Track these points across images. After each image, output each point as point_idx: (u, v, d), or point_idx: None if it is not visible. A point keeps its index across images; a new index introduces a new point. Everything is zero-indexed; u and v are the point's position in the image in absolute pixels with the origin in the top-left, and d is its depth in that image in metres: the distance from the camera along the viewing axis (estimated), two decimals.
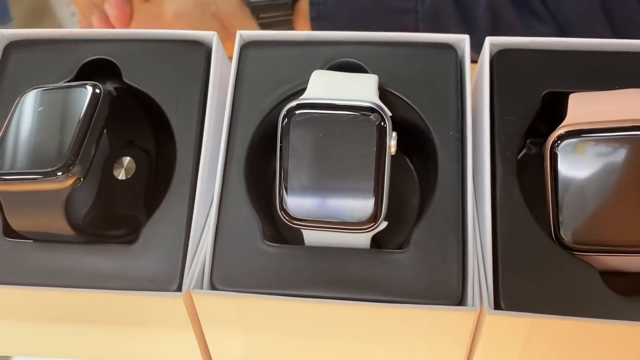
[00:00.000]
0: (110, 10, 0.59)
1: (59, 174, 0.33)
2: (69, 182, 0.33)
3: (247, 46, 0.39)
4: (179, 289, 0.34)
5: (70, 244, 0.36)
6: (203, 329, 0.36)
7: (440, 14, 0.54)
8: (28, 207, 0.34)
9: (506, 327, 0.33)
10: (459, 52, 0.38)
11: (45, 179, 0.33)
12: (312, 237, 0.35)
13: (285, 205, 0.34)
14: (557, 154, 0.33)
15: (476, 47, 0.39)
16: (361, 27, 0.40)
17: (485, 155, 0.35)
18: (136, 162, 0.41)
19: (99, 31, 0.41)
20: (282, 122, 0.34)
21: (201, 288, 0.35)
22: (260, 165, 0.38)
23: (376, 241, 0.36)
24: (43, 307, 0.36)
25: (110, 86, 0.37)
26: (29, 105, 0.36)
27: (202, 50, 0.39)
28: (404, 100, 0.37)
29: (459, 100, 0.37)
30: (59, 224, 0.34)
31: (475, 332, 0.34)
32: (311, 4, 0.55)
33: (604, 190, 0.33)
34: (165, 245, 0.35)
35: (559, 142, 0.33)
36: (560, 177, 0.33)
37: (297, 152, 0.34)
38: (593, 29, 0.52)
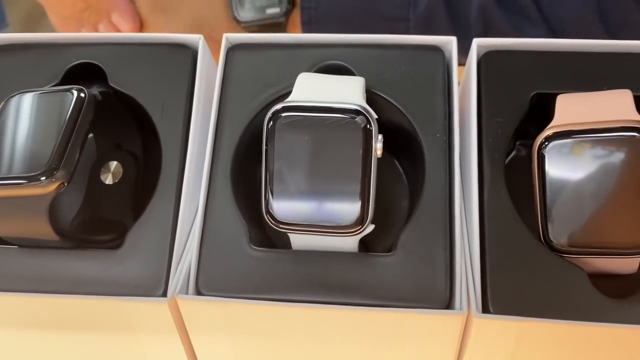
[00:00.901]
0: (123, 24, 0.59)
1: (43, 178, 0.33)
2: (53, 186, 0.33)
3: (234, 49, 0.39)
4: (165, 294, 0.34)
5: (55, 250, 0.35)
6: (189, 334, 0.36)
7: (431, 21, 0.54)
8: (12, 213, 0.34)
9: (494, 331, 0.33)
10: (447, 54, 0.38)
11: (28, 183, 0.33)
12: (299, 240, 0.35)
13: (271, 209, 0.34)
14: (544, 155, 0.33)
15: (466, 52, 0.39)
16: (352, 33, 0.39)
17: (473, 158, 0.35)
18: (123, 167, 0.41)
19: (84, 35, 0.41)
20: (268, 124, 0.34)
21: (187, 293, 0.34)
22: (246, 169, 0.38)
23: (364, 244, 0.36)
24: (28, 313, 0.36)
25: (96, 90, 0.37)
26: (13, 109, 0.36)
27: (188, 53, 0.39)
28: (391, 103, 0.37)
29: (447, 102, 0.37)
30: (44, 229, 0.34)
31: (463, 335, 0.34)
32: (302, 8, 0.55)
33: (593, 192, 0.33)
34: (151, 250, 0.35)
35: (546, 143, 0.33)
36: (548, 178, 0.33)
37: (282, 155, 0.34)
38: (587, 31, 0.52)
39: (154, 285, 0.34)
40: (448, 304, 0.33)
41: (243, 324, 0.35)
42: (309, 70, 0.38)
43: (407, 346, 0.34)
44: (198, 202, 0.36)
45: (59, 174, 0.33)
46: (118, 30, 0.60)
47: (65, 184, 0.33)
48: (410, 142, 0.37)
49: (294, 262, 0.34)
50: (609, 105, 0.34)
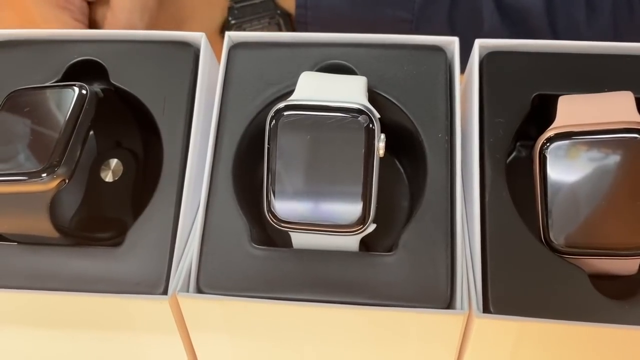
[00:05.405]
0: None
1: (44, 175, 0.33)
2: (54, 183, 0.33)
3: (236, 47, 0.39)
4: (165, 292, 0.34)
5: (55, 247, 0.35)
6: (189, 333, 0.36)
7: None
8: (12, 209, 0.34)
9: (495, 331, 0.33)
10: (449, 55, 0.38)
11: (29, 180, 0.33)
12: (300, 239, 0.35)
13: (273, 208, 0.34)
14: (546, 157, 0.33)
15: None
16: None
17: (474, 158, 0.35)
18: (123, 164, 0.41)
19: (86, 32, 0.41)
20: (270, 123, 0.34)
21: (187, 291, 0.34)
22: (248, 168, 0.38)
23: (365, 244, 0.36)
24: (27, 310, 0.35)
25: (97, 87, 0.37)
26: (14, 105, 0.36)
27: (190, 51, 0.39)
28: (393, 103, 0.37)
29: (448, 102, 0.37)
30: (44, 226, 0.34)
31: (463, 335, 0.34)
32: (297, 7, 0.54)
33: (593, 193, 0.33)
34: (152, 248, 0.35)
35: (547, 144, 0.33)
36: (549, 179, 0.33)
37: (284, 154, 0.34)
38: None
39: (155, 283, 0.34)
40: (449, 304, 0.33)
41: (243, 322, 0.35)
42: (311, 69, 0.38)
43: (408, 345, 0.34)
44: (199, 200, 0.36)
45: (60, 170, 0.33)
46: None
47: (67, 181, 0.33)
48: (412, 142, 0.37)
49: (294, 261, 0.34)
50: (611, 107, 0.34)
